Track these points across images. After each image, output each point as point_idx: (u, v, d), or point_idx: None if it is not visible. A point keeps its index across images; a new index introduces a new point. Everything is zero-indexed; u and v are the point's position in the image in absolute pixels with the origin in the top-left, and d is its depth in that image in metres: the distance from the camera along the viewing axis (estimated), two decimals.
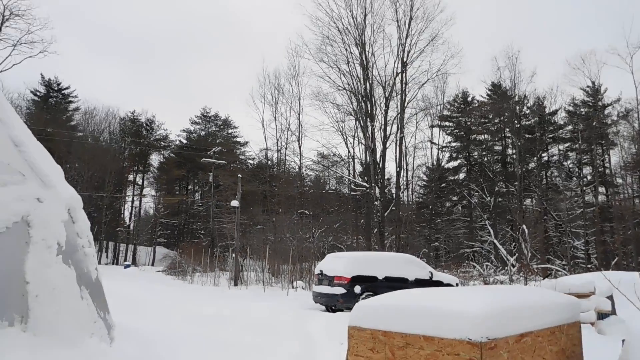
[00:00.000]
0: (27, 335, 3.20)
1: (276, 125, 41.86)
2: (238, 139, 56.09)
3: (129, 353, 4.38)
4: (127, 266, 39.04)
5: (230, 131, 57.41)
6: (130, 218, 53.65)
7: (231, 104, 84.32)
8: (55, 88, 51.44)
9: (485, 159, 42.32)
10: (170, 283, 23.67)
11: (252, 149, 65.18)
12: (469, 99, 46.12)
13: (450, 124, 46.19)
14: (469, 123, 44.62)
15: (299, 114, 39.44)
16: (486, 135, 43.29)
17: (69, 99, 52.51)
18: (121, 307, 7.22)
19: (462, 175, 45.01)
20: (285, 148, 40.83)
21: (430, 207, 42.14)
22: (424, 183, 46.25)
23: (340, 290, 11.89)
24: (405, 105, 30.67)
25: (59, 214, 4.21)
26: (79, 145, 43.49)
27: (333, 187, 48.01)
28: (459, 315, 3.19)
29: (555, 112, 40.76)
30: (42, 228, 3.77)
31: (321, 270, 13.06)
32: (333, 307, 12.44)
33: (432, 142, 44.37)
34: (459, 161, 45.43)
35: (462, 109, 45.49)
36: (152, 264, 45.63)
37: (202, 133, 57.27)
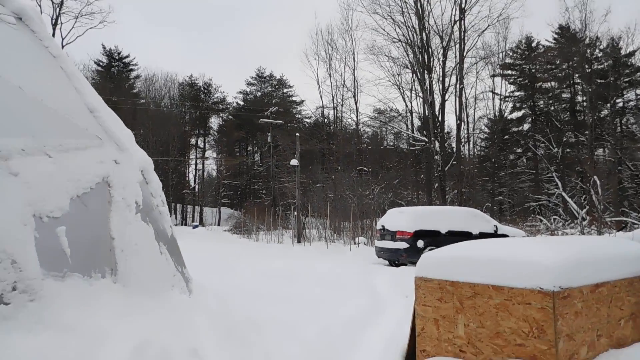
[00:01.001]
0: (117, 286, 3.48)
1: (331, 82, 41.53)
2: (294, 98, 56.23)
3: (206, 304, 4.66)
4: (195, 226, 41.06)
5: (285, 91, 57.58)
6: (195, 180, 55.99)
7: (285, 63, 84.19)
8: (117, 57, 53.44)
9: (552, 108, 39.87)
10: (237, 241, 24.71)
11: (308, 107, 65.22)
12: (534, 44, 43.14)
13: (513, 73, 43.63)
14: (533, 70, 41.93)
15: (353, 70, 38.73)
16: (553, 83, 40.59)
17: (130, 67, 54.47)
18: (193, 263, 7.65)
19: (526, 126, 42.82)
20: (342, 105, 40.49)
21: (493, 160, 40.66)
22: (486, 135, 44.50)
23: (403, 245, 11.93)
24: (465, 54, 29.26)
25: (134, 175, 4.45)
26: (142, 112, 45.40)
27: (391, 143, 47.38)
28: (530, 264, 3.12)
29: (632, 53, 37.26)
30: (120, 188, 4.01)
31: (383, 226, 13.11)
32: (396, 262, 12.53)
33: (493, 93, 42.27)
34: (523, 111, 43.12)
35: (526, 55, 42.71)
36: (218, 224, 47.70)
37: (258, 94, 57.87)
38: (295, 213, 25.52)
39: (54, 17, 31.23)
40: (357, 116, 38.47)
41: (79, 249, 3.26)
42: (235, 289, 6.71)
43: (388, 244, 12.48)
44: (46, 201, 3.11)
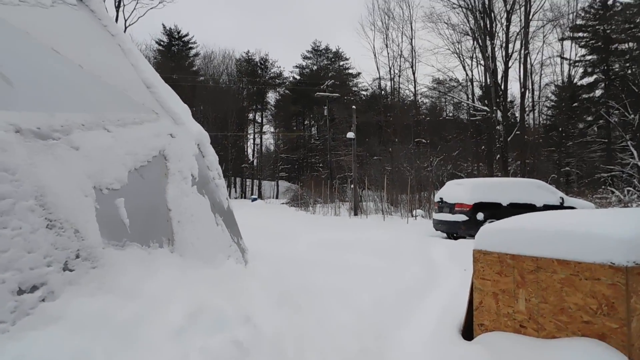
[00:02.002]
0: (174, 256, 3.60)
1: (388, 53, 40.55)
2: (350, 71, 55.57)
3: (262, 273, 4.75)
4: (254, 199, 42.11)
5: (341, 63, 56.96)
6: (253, 155, 57.22)
7: (341, 35, 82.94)
8: (176, 36, 54.86)
9: (629, 71, 36.69)
10: (294, 214, 25.10)
11: (364, 79, 64.23)
12: (609, 2, 39.61)
13: (585, 35, 40.38)
14: (608, 31, 38.58)
15: (411, 39, 37.67)
16: (631, 44, 37.22)
17: (189, 46, 55.81)
18: (251, 234, 7.84)
19: (598, 92, 39.76)
20: (399, 76, 39.50)
21: (560, 129, 38.33)
22: (553, 103, 41.91)
23: (461, 218, 11.60)
24: (530, 17, 27.41)
25: (190, 148, 4.55)
26: (201, 89, 46.57)
27: (450, 114, 45.85)
28: (600, 237, 2.89)
29: None
30: (177, 161, 4.11)
31: (441, 198, 12.80)
32: (454, 235, 12.24)
33: (562, 57, 39.48)
34: (595, 76, 39.98)
35: (600, 15, 39.29)
36: (276, 197, 48.68)
37: (314, 67, 57.64)
38: (352, 186, 25.46)
39: None
40: (414, 87, 37.46)
41: (137, 220, 3.39)
42: (290, 258, 6.80)
43: (446, 216, 12.18)
44: (105, 174, 3.23)
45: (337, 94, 35.27)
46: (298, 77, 57.53)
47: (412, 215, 20.05)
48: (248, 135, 56.65)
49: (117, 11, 31.55)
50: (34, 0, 4.02)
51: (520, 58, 28.56)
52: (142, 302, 2.91)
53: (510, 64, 28.00)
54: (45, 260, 2.65)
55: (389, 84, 42.35)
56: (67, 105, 3.29)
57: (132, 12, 34.48)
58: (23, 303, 2.50)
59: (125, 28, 31.59)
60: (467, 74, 34.20)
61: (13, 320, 2.44)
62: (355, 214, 23.27)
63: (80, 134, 3.18)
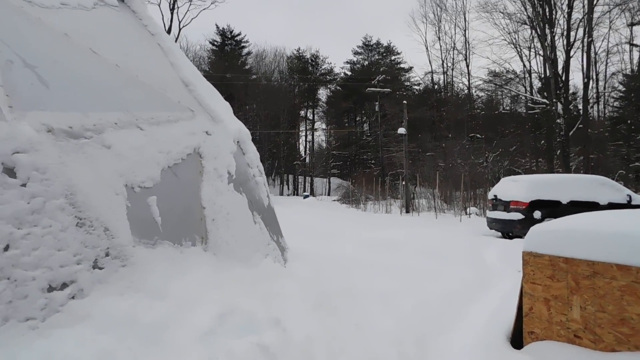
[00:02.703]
0: (208, 255, 3.57)
1: (440, 46, 39.60)
2: (401, 65, 54.58)
3: (301, 274, 4.65)
4: (306, 196, 42.32)
5: (393, 58, 56.06)
6: (305, 152, 57.55)
7: (392, 30, 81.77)
8: (229, 36, 55.99)
9: None
10: (345, 211, 24.96)
11: (416, 73, 63.02)
12: None
13: None
14: None
15: (464, 30, 36.44)
16: None
17: (242, 45, 56.82)
18: (297, 232, 7.78)
19: None
20: (452, 69, 38.40)
21: (629, 121, 35.73)
22: (621, 94, 39.15)
23: (517, 216, 11.02)
24: (595, 2, 25.66)
25: (227, 146, 4.51)
26: (254, 87, 47.29)
27: (507, 107, 43.96)
28: None
29: None
30: (212, 159, 4.08)
31: (495, 195, 12.23)
32: (509, 234, 11.66)
33: (631, 44, 36.69)
34: None
35: None
36: (328, 194, 48.71)
37: (365, 63, 57.11)
38: (404, 182, 24.97)
39: (171, 1, 33.48)
40: (469, 80, 36.24)
41: (169, 218, 3.37)
42: (334, 258, 6.66)
43: (500, 214, 11.61)
44: (137, 172, 3.23)
45: (388, 89, 34.76)
46: (349, 73, 57.22)
47: (466, 213, 19.38)
48: (300, 133, 57.06)
49: (172, 14, 32.62)
50: (76, 2, 4.11)
51: (583, 46, 26.83)
52: (171, 302, 2.88)
53: (572, 53, 26.38)
54: (75, 259, 2.66)
55: (441, 77, 41.29)
56: (101, 104, 3.32)
57: (186, 13, 35.72)
58: (53, 300, 2.53)
59: (180, 29, 32.60)
60: (524, 65, 32.53)
61: (43, 317, 2.47)
62: (407, 212, 22.82)
63: (113, 132, 3.20)
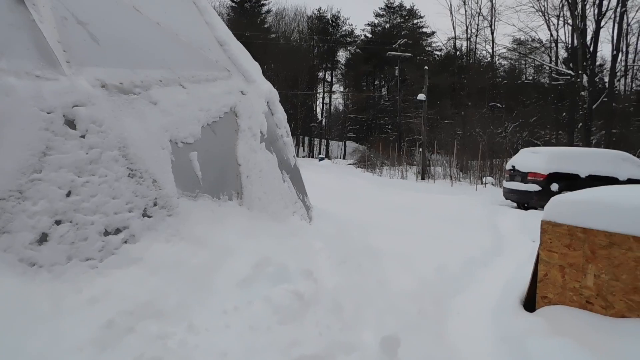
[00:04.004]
0: (242, 209, 3.78)
1: (465, 11, 38.49)
2: (424, 30, 53.23)
3: (326, 231, 4.87)
4: (322, 159, 42.44)
5: (415, 22, 54.64)
6: (322, 114, 57.26)
7: None
8: None
9: None
10: (360, 175, 25.11)
11: (439, 39, 61.53)
12: None
13: None
14: None
15: None
16: None
17: (261, 2, 55.69)
18: (316, 194, 7.97)
19: None
20: (476, 36, 37.36)
21: None
22: None
23: (534, 188, 11.08)
24: None
25: (260, 106, 4.66)
26: (273, 47, 46.69)
27: (530, 77, 42.94)
28: None
29: None
30: (247, 118, 4.24)
31: (513, 166, 12.25)
32: (525, 205, 11.75)
33: None
34: None
35: None
36: (344, 157, 48.74)
37: (387, 26, 55.78)
38: (421, 149, 24.94)
39: None
40: (492, 47, 35.33)
41: (208, 173, 3.58)
42: (353, 219, 6.88)
43: (518, 185, 11.67)
44: (180, 128, 3.41)
45: (409, 54, 34.06)
46: (369, 36, 56.07)
47: (482, 183, 19.41)
48: (317, 94, 56.60)
49: None
50: None
51: (615, 17, 25.86)
52: (212, 250, 3.11)
53: (602, 23, 25.49)
54: (127, 206, 2.89)
55: (464, 44, 40.23)
56: (146, 62, 3.47)
57: None
58: (109, 243, 2.77)
59: None
60: (551, 35, 31.50)
61: (100, 258, 2.72)
62: (423, 178, 22.90)
63: (158, 89, 3.36)
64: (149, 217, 2.98)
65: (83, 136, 2.75)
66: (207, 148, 3.64)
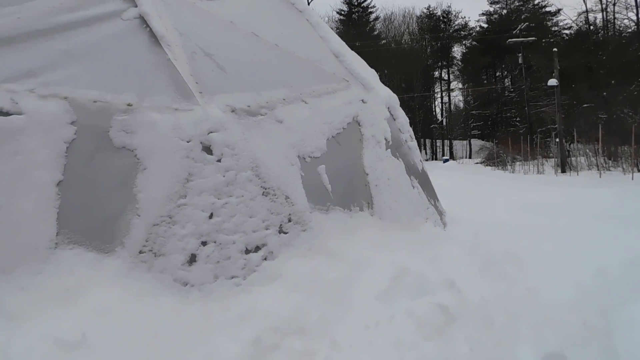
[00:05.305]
0: (374, 219, 3.70)
1: None
2: (548, 9, 48.84)
3: (461, 237, 4.57)
4: (446, 160, 41.00)
5: (536, 2, 50.35)
6: (442, 114, 55.48)
7: None
8: (355, 3, 55.48)
9: None
10: (490, 173, 23.66)
11: (566, 15, 56.13)
12: None
13: None
14: None
15: None
16: None
17: (369, 10, 55.91)
18: (445, 197, 7.59)
19: None
20: (614, 4, 33.20)
21: None
22: None
23: None
24: None
25: (381, 112, 4.56)
26: (384, 53, 46.50)
27: None
28: None
29: None
30: (369, 126, 4.17)
31: None
32: None
33: None
34: None
35: None
36: (469, 157, 46.55)
37: (504, 12, 52.29)
38: (557, 140, 22.72)
39: None
40: (637, 14, 31.03)
41: (337, 185, 3.56)
42: (489, 222, 6.38)
43: None
44: (306, 143, 3.45)
45: (533, 38, 31.52)
46: (486, 26, 53.01)
47: (638, 170, 17.00)
48: (435, 95, 54.98)
49: None
50: None
51: None
52: (347, 264, 3.06)
53: None
54: (263, 224, 2.97)
55: (599, 16, 36.06)
56: (269, 83, 3.59)
57: None
58: (250, 261, 2.86)
59: (309, 3, 33.29)
60: None
61: (244, 275, 2.82)
62: (563, 171, 20.81)
63: (282, 108, 3.44)
64: (285, 233, 3.03)
65: (219, 160, 2.90)
66: (334, 160, 3.63)
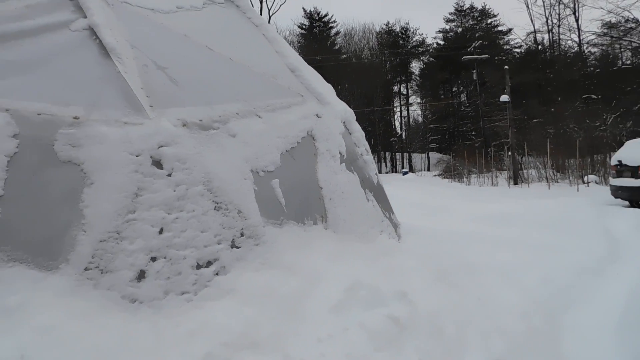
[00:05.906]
0: (328, 232, 3.73)
1: (543, 2, 36.24)
2: (499, 28, 51.06)
3: (416, 249, 4.66)
4: (405, 173, 41.71)
5: (489, 21, 52.58)
6: (401, 128, 56.59)
7: None
8: (317, 18, 56.19)
9: None
10: (447, 185, 24.27)
11: (517, 35, 58.75)
12: None
13: None
14: None
15: None
16: None
17: (330, 25, 56.72)
18: (402, 209, 7.73)
19: None
20: (558, 26, 35.17)
21: None
22: None
23: None
24: None
25: (336, 127, 4.62)
26: (345, 67, 47.16)
27: (627, 62, 39.28)
28: None
29: None
30: (324, 140, 4.21)
31: (619, 161, 11.13)
32: (639, 202, 10.59)
33: None
34: None
35: None
36: (428, 169, 47.60)
37: (459, 30, 54.26)
38: (510, 153, 23.61)
39: None
40: (579, 35, 32.98)
41: (291, 199, 3.57)
42: (445, 233, 6.54)
43: (627, 181, 10.55)
44: (260, 157, 3.45)
45: (486, 55, 32.71)
46: (442, 43, 54.82)
47: (584, 182, 17.87)
48: (395, 109, 56.09)
49: (261, 3, 33.47)
50: (189, 4, 4.44)
51: None
52: (301, 277, 3.07)
53: None
54: (216, 239, 2.94)
55: (546, 36, 37.98)
56: (223, 97, 3.58)
57: (274, 1, 36.85)
58: (201, 276, 2.82)
59: (270, 17, 33.41)
60: None
61: (195, 291, 2.77)
62: (515, 183, 21.61)
63: (236, 122, 3.44)
64: (238, 247, 3.01)
65: (170, 174, 2.86)
66: (288, 174, 3.64)
